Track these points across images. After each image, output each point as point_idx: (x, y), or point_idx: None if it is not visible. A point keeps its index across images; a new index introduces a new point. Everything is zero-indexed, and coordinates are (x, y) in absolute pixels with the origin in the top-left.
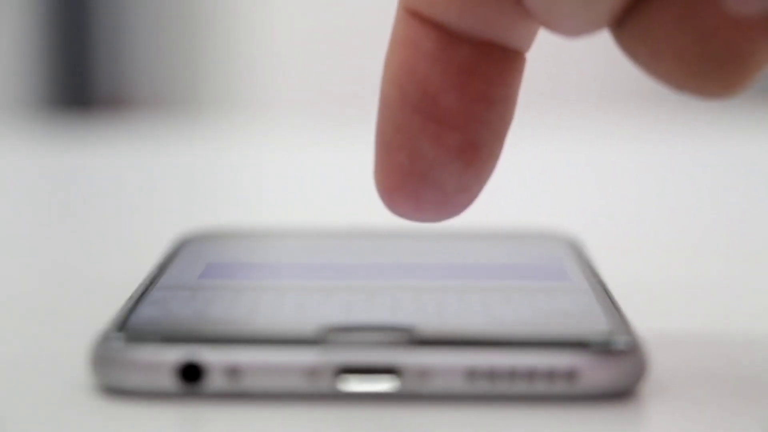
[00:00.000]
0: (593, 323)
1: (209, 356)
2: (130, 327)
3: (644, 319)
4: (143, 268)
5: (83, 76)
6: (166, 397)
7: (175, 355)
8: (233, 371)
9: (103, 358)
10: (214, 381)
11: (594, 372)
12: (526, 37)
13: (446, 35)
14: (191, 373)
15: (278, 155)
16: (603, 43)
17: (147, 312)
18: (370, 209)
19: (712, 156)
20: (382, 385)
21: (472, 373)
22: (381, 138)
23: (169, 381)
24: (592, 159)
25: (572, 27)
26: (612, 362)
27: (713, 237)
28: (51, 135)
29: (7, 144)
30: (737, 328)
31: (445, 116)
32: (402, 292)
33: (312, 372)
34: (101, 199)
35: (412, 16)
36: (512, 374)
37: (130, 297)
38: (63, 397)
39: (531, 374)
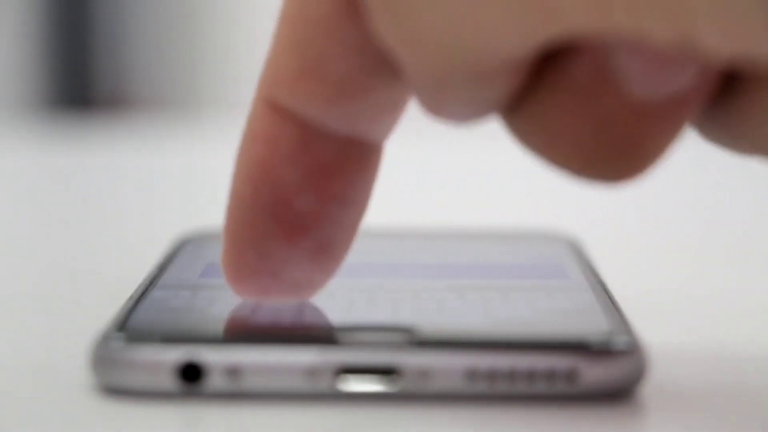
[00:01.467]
0: (593, 323)
1: (209, 356)
2: (130, 327)
3: (644, 320)
4: (143, 268)
5: (83, 76)
6: (166, 397)
7: (175, 355)
8: (233, 371)
9: (103, 358)
10: (214, 381)
11: (594, 372)
12: (388, 129)
13: (307, 131)
14: (191, 373)
15: None
16: None
17: (147, 312)
18: (369, 208)
19: (712, 156)
20: (383, 385)
21: (472, 374)
22: (229, 232)
23: (169, 381)
24: None
25: (456, 112)
26: (612, 362)
27: (713, 237)
28: (51, 135)
29: (7, 144)
30: (737, 329)
31: (300, 220)
32: (402, 292)
33: (312, 372)
34: (101, 199)
35: (270, 108)
36: (512, 374)
37: (130, 297)
38: (63, 397)
39: (531, 374)
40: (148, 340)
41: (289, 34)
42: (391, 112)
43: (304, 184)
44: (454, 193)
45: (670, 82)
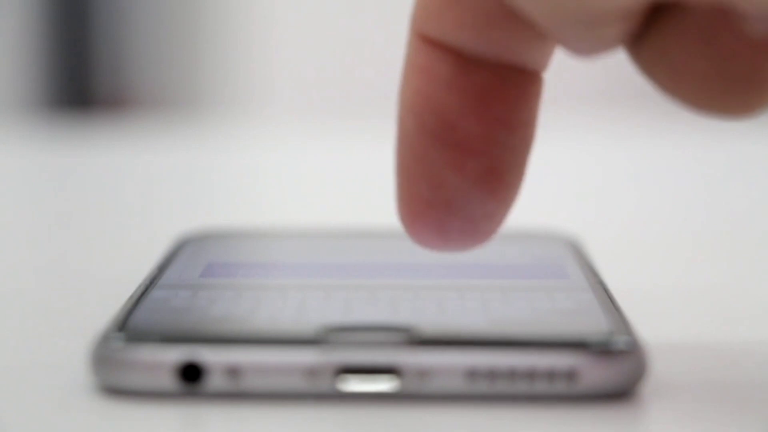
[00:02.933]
0: (593, 323)
1: (209, 356)
2: (130, 327)
3: (644, 319)
4: (143, 268)
5: (83, 76)
6: (166, 397)
7: (175, 355)
8: (233, 371)
9: (103, 358)
10: (214, 381)
11: (594, 372)
12: (542, 57)
13: (461, 60)
14: (191, 373)
15: (278, 155)
16: None
17: (147, 312)
18: (370, 208)
19: (712, 156)
20: (382, 385)
21: (472, 373)
22: (401, 168)
23: (169, 381)
24: (592, 159)
25: (583, 47)
26: (612, 362)
27: (713, 237)
28: (51, 135)
29: (7, 144)
30: (737, 328)
31: (466, 143)
32: (402, 291)
33: (312, 372)
34: (101, 199)
35: (424, 41)
36: (512, 374)
37: (130, 297)
38: (63, 397)
39: (531, 374)
40: (148, 340)
41: None
42: (541, 40)
43: (466, 109)
44: None
45: None
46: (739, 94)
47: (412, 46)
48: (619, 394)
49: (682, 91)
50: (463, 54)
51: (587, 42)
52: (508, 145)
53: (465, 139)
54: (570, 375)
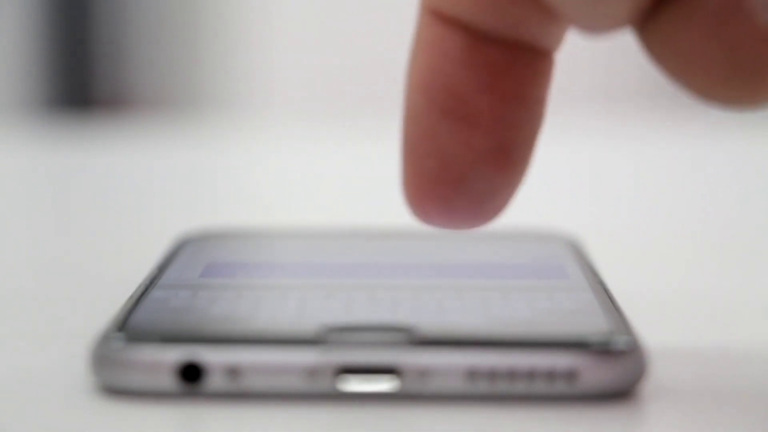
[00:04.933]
0: (593, 323)
1: (209, 356)
2: (130, 327)
3: (644, 319)
4: (143, 268)
5: (83, 76)
6: (166, 397)
7: (175, 355)
8: (233, 371)
9: (103, 358)
10: (214, 381)
11: (594, 372)
12: (554, 36)
13: (473, 36)
14: (191, 373)
15: (278, 155)
16: (603, 43)
17: (147, 312)
18: (370, 208)
19: (713, 156)
20: (382, 385)
21: (472, 373)
22: (408, 145)
23: (169, 381)
24: (592, 159)
25: (591, 25)
26: (612, 362)
27: (713, 237)
28: (51, 135)
29: (7, 144)
30: (737, 328)
31: (476, 119)
32: (402, 291)
33: (312, 372)
34: (101, 199)
35: (435, 17)
36: (512, 374)
37: (130, 297)
38: (63, 397)
39: (531, 374)
40: (148, 340)
41: None
42: (553, 18)
43: (476, 84)
44: None
45: None
46: (747, 85)
47: (422, 21)
48: (619, 394)
49: (689, 78)
50: (474, 30)
51: (595, 19)
52: (517, 122)
53: (475, 115)
54: (570, 375)
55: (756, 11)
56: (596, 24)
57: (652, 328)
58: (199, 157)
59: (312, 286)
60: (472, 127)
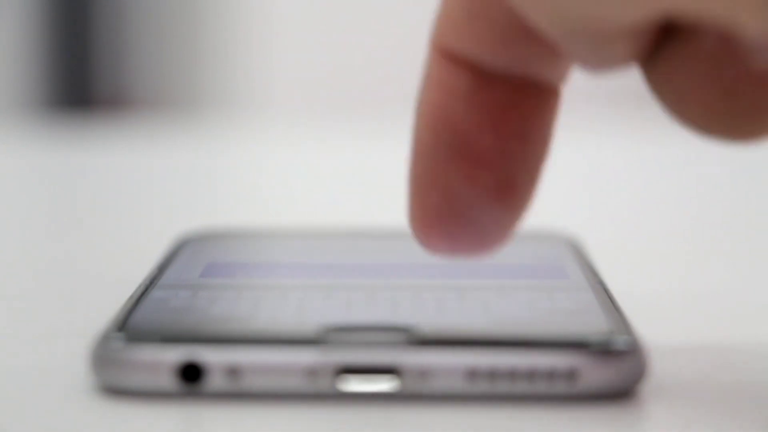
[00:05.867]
0: (593, 323)
1: (209, 356)
2: (130, 327)
3: (644, 319)
4: (143, 268)
5: (83, 76)
6: (166, 397)
7: (175, 355)
8: (233, 371)
9: (103, 358)
10: (214, 381)
11: (594, 372)
12: (559, 73)
13: (479, 75)
14: (191, 373)
15: (278, 155)
16: None
17: (147, 312)
18: (370, 208)
19: (714, 156)
20: (382, 385)
21: (472, 373)
22: (415, 179)
23: (169, 381)
24: (592, 159)
25: (594, 63)
26: (612, 362)
27: (713, 237)
28: (51, 135)
29: (7, 144)
30: (737, 328)
31: (481, 156)
32: (402, 291)
33: (312, 372)
34: (101, 199)
35: (443, 56)
36: (512, 374)
37: (130, 297)
38: (63, 397)
39: (531, 374)
40: (148, 340)
41: None
42: (558, 56)
43: (482, 123)
44: None
45: None
46: (743, 124)
47: (431, 60)
48: (619, 394)
49: (688, 115)
50: (481, 68)
51: (600, 58)
52: (522, 159)
53: (480, 153)
54: (570, 375)
55: (752, 54)
56: (601, 63)
57: (652, 328)
58: (199, 157)
59: (312, 286)
60: (477, 164)
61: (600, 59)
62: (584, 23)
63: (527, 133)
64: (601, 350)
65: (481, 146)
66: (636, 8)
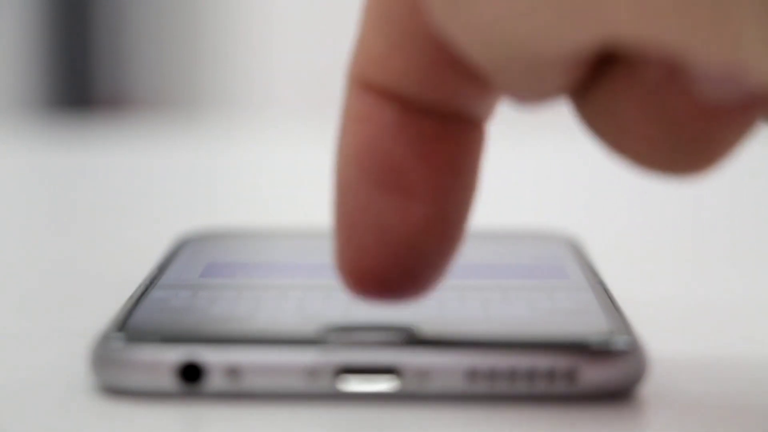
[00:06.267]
0: (593, 323)
1: (209, 356)
2: (130, 327)
3: (644, 320)
4: (143, 268)
5: (83, 76)
6: (166, 397)
7: (175, 355)
8: (233, 371)
9: (103, 358)
10: (214, 381)
11: (594, 372)
12: (486, 107)
13: (404, 107)
14: (191, 373)
15: (278, 155)
16: None
17: (147, 312)
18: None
19: None
20: (382, 385)
21: (472, 373)
22: (341, 219)
23: (169, 381)
24: (592, 159)
25: (526, 95)
26: (612, 362)
27: (713, 238)
28: (51, 135)
29: (7, 144)
30: (737, 329)
31: (411, 189)
32: None
33: (312, 372)
34: (101, 199)
35: (365, 89)
36: (512, 374)
37: (130, 297)
38: (63, 398)
39: (531, 374)
40: (148, 340)
41: (375, 14)
42: (486, 90)
43: (412, 154)
44: None
45: (741, 86)
46: (687, 157)
47: (351, 93)
48: (619, 394)
49: (628, 150)
50: (406, 100)
51: (530, 89)
52: (453, 192)
53: (412, 185)
54: (570, 375)
55: (693, 84)
56: (533, 95)
57: (652, 329)
58: (199, 157)
59: (312, 286)
60: (408, 197)
61: (532, 90)
62: (518, 50)
63: (456, 166)
64: (601, 350)
65: (412, 178)
66: (575, 33)
